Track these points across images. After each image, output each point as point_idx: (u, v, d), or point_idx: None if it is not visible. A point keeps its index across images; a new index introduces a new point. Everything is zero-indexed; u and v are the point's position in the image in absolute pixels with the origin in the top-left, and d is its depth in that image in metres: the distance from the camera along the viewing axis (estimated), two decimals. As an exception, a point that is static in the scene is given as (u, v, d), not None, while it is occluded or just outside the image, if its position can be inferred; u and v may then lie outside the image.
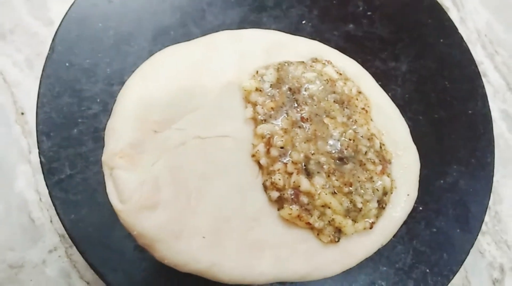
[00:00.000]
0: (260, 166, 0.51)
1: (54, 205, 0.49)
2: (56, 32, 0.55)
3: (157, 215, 0.46)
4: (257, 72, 0.55)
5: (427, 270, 0.53)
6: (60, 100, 0.52)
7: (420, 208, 0.56)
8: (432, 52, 0.65)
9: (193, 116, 0.51)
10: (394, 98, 0.61)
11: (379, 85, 0.61)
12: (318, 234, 0.50)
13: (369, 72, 0.61)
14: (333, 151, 0.52)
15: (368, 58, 0.61)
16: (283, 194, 0.50)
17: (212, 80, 0.54)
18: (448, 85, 0.64)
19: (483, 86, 0.64)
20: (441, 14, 0.67)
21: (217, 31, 0.57)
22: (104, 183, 0.47)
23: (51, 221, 0.55)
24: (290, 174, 0.51)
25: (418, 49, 0.65)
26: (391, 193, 0.54)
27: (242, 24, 0.60)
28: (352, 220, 0.51)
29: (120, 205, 0.47)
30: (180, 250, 0.46)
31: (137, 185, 0.47)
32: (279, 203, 0.50)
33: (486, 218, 0.65)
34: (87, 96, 0.53)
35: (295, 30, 0.61)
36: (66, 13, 0.56)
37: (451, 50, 0.66)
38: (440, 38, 0.66)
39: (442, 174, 0.57)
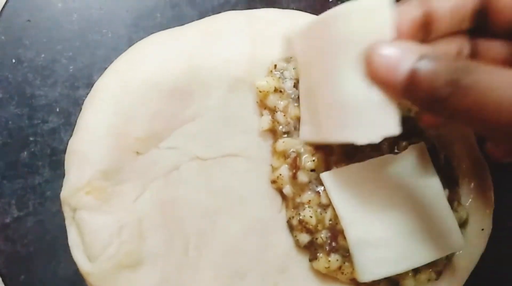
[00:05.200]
0: (283, 196, 0.42)
1: (-5, 261, 0.40)
2: (-2, 16, 0.46)
3: (142, 276, 0.38)
4: (275, 66, 0.44)
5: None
6: (5, 110, 0.44)
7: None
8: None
9: (189, 129, 0.43)
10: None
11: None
12: (367, 292, 0.41)
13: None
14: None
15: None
16: (316, 238, 0.40)
17: (214, 78, 0.44)
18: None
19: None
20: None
21: (219, 13, 0.48)
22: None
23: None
24: (326, 207, 0.40)
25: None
26: (464, 229, 0.43)
27: (252, 3, 0.50)
28: (412, 270, 0.40)
29: (88, 265, 0.38)
30: (177, 327, 0.38)
31: (111, 232, 0.38)
32: (311, 250, 0.41)
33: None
34: (41, 104, 0.44)
35: (320, 10, 0.48)
36: (14, -10, 0.48)
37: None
38: None
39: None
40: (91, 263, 0.37)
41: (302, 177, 0.41)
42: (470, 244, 0.42)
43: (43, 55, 0.45)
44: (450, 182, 0.43)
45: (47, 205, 0.41)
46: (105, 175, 0.39)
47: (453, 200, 0.42)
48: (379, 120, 0.31)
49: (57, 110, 0.44)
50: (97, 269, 0.37)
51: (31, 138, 0.43)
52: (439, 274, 0.41)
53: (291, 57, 0.44)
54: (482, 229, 0.43)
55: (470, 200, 0.44)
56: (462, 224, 0.42)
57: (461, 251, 0.41)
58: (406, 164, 0.40)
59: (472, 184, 0.44)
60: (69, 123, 0.43)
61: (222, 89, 0.44)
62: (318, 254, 0.40)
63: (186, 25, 0.47)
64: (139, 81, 0.42)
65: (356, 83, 0.32)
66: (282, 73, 0.44)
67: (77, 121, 0.41)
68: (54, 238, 0.41)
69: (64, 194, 0.38)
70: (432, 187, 0.40)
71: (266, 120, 0.43)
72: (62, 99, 0.44)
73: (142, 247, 0.38)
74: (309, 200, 0.41)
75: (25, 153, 0.43)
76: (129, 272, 0.37)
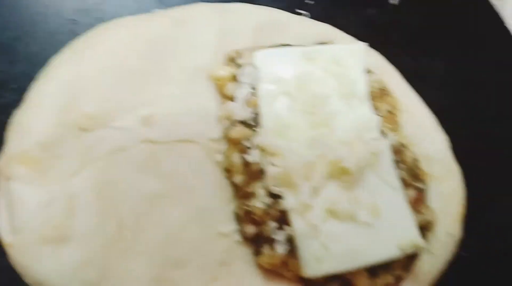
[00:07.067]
0: (234, 187, 0.39)
1: None
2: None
3: (65, 252, 0.35)
4: (236, 53, 0.43)
5: None
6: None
7: (463, 254, 0.42)
8: (479, 50, 0.52)
9: (145, 112, 0.40)
10: (427, 104, 0.47)
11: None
12: (316, 291, 0.37)
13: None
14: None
15: (394, 51, 0.49)
16: (262, 229, 0.37)
17: (177, 64, 0.43)
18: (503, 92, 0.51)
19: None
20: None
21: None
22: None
23: None
24: (275, 198, 0.37)
25: (461, 44, 0.52)
26: (430, 232, 0.39)
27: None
28: (368, 272, 0.36)
29: (10, 236, 0.35)
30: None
31: (39, 204, 0.36)
32: (257, 244, 0.37)
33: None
34: (-1, 80, 0.42)
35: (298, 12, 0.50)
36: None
37: (504, 49, 0.52)
38: (490, 32, 0.52)
39: (491, 207, 0.44)
40: (13, 235, 0.34)
41: (253, 156, 0.38)
42: (435, 248, 0.38)
43: (7, 32, 0.44)
44: (416, 182, 0.39)
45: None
46: (43, 147, 0.36)
47: (418, 200, 0.39)
48: None
49: (15, 87, 0.42)
50: (19, 241, 0.34)
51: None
52: (398, 279, 0.37)
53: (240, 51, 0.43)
54: (450, 233, 0.39)
55: (439, 203, 0.40)
56: (427, 227, 0.38)
57: (422, 255, 0.37)
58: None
59: (443, 186, 0.41)
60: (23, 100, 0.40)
61: (184, 75, 0.42)
62: (262, 249, 0.36)
63: (155, 12, 0.46)
64: (96, 59, 0.41)
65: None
66: (234, 61, 0.42)
67: (27, 94, 0.39)
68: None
69: (0, 163, 0.36)
70: (390, 183, 0.37)
71: (224, 109, 0.41)
72: (21, 77, 0.42)
73: (70, 223, 0.35)
74: (259, 190, 0.37)
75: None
76: (52, 247, 0.34)
